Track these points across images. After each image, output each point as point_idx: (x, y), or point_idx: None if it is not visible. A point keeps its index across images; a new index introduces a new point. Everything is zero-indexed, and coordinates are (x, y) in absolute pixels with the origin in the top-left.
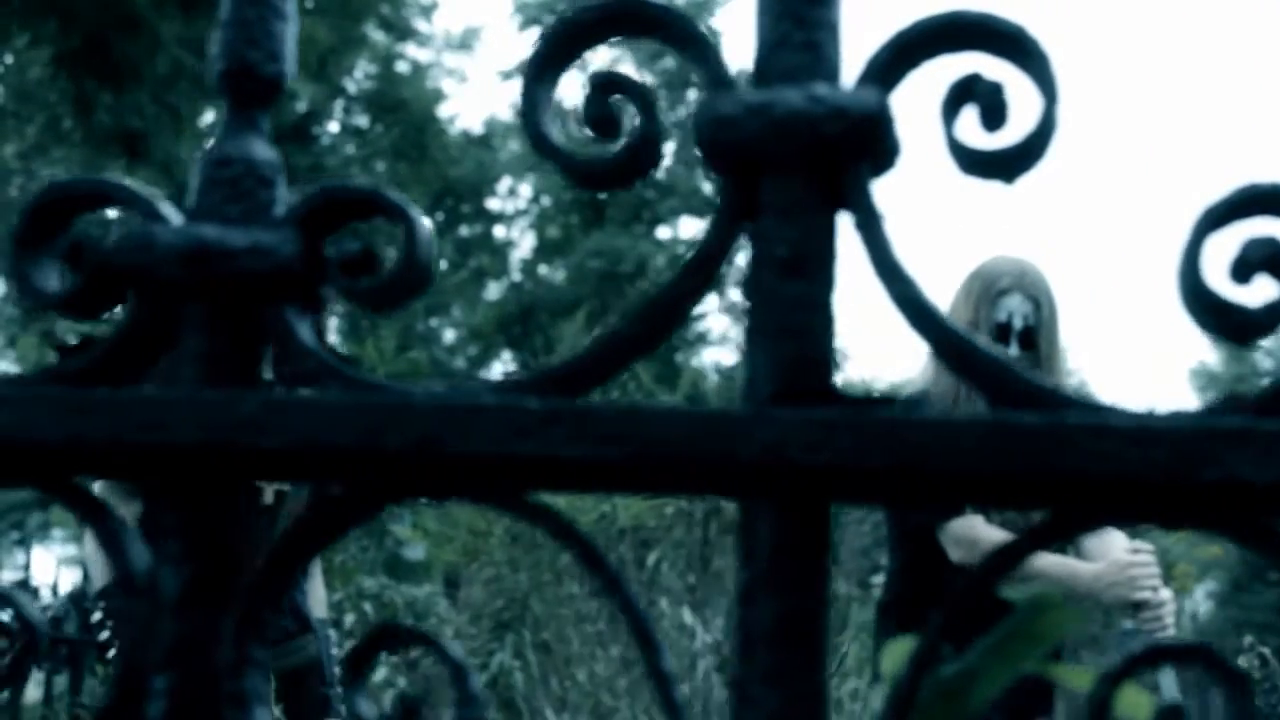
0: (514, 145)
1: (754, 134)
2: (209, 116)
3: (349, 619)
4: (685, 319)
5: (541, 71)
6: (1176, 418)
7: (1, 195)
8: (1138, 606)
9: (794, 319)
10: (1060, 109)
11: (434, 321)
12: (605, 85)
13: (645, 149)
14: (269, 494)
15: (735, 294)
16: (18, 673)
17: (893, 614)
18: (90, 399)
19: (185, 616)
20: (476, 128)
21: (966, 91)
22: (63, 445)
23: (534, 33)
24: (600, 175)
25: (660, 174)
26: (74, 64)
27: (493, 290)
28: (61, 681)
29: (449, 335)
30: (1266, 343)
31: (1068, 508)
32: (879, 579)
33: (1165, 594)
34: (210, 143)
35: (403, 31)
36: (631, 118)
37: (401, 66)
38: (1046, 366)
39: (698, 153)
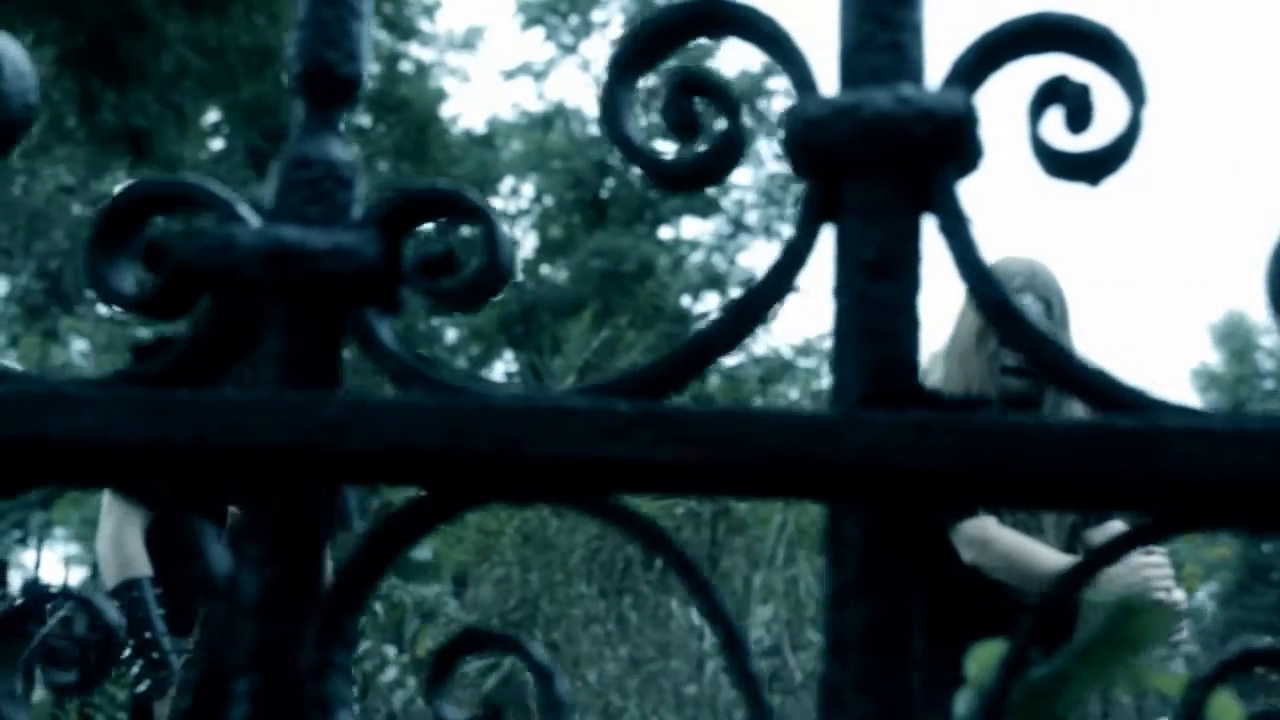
0: (516, 145)
1: (841, 135)
2: (213, 115)
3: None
4: (768, 319)
5: (623, 73)
6: (1274, 419)
7: (4, 194)
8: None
9: (881, 321)
10: (1147, 112)
11: (435, 321)
12: (687, 86)
13: (728, 150)
14: None
15: (737, 294)
16: (100, 675)
17: None
18: (172, 401)
19: (267, 620)
20: (479, 127)
21: (1053, 93)
22: (144, 447)
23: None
24: (682, 176)
25: None
26: (78, 63)
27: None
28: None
29: (451, 335)
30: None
31: (1165, 511)
32: None
33: (1179, 595)
34: (289, 144)
35: (406, 31)
36: (712, 118)
37: (404, 66)
38: None
39: (783, 153)
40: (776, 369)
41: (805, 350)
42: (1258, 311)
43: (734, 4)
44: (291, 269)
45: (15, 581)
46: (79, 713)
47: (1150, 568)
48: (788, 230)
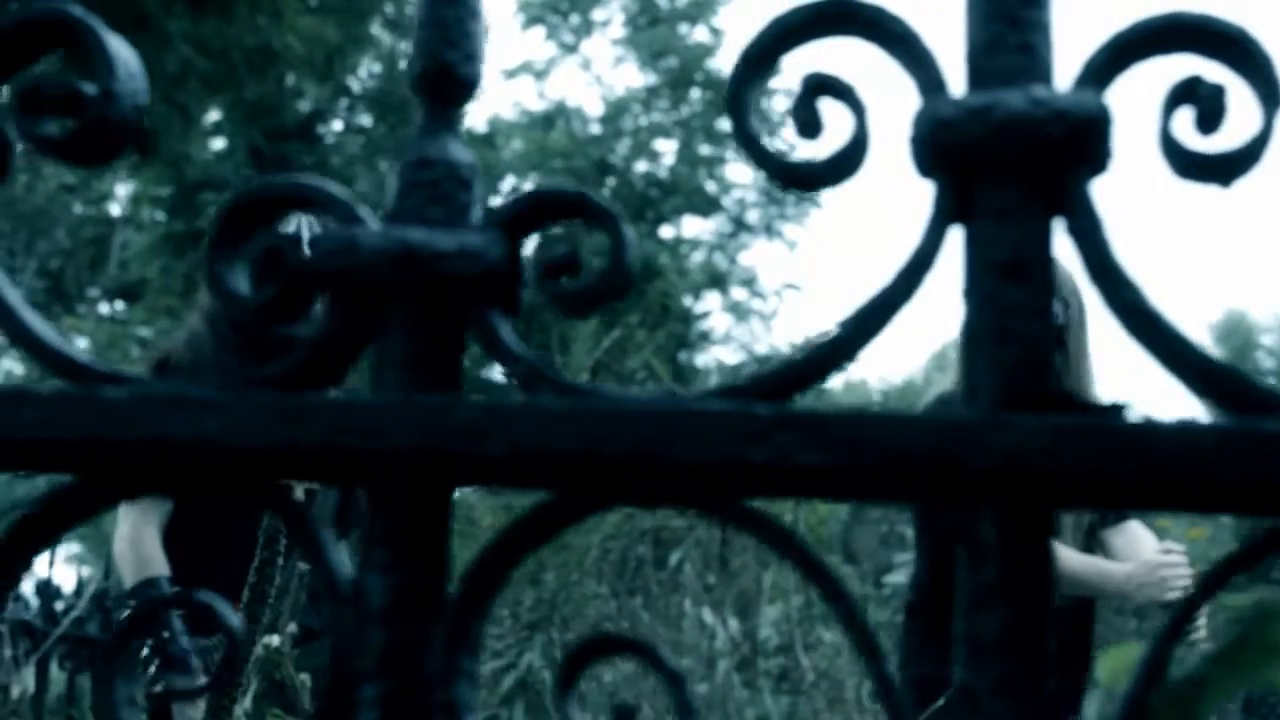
0: (517, 144)
1: (974, 136)
2: (214, 115)
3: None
4: (893, 321)
5: (750, 72)
6: None
7: (6, 193)
8: (1169, 607)
9: (1015, 323)
10: None
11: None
12: (815, 87)
13: (855, 152)
14: (298, 493)
15: (739, 293)
16: (225, 679)
17: (921, 615)
18: (302, 404)
19: (395, 625)
20: (480, 126)
21: (1186, 93)
22: (272, 451)
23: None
24: (808, 178)
25: (663, 172)
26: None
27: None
28: (84, 681)
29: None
30: (1268, 342)
31: None
32: (892, 578)
33: None
34: (410, 144)
35: (407, 30)
36: (840, 120)
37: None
38: (1075, 367)
39: (911, 154)
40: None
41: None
42: (1258, 310)
43: (863, 3)
44: (416, 271)
45: (24, 584)
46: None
47: (1169, 566)
48: (789, 229)
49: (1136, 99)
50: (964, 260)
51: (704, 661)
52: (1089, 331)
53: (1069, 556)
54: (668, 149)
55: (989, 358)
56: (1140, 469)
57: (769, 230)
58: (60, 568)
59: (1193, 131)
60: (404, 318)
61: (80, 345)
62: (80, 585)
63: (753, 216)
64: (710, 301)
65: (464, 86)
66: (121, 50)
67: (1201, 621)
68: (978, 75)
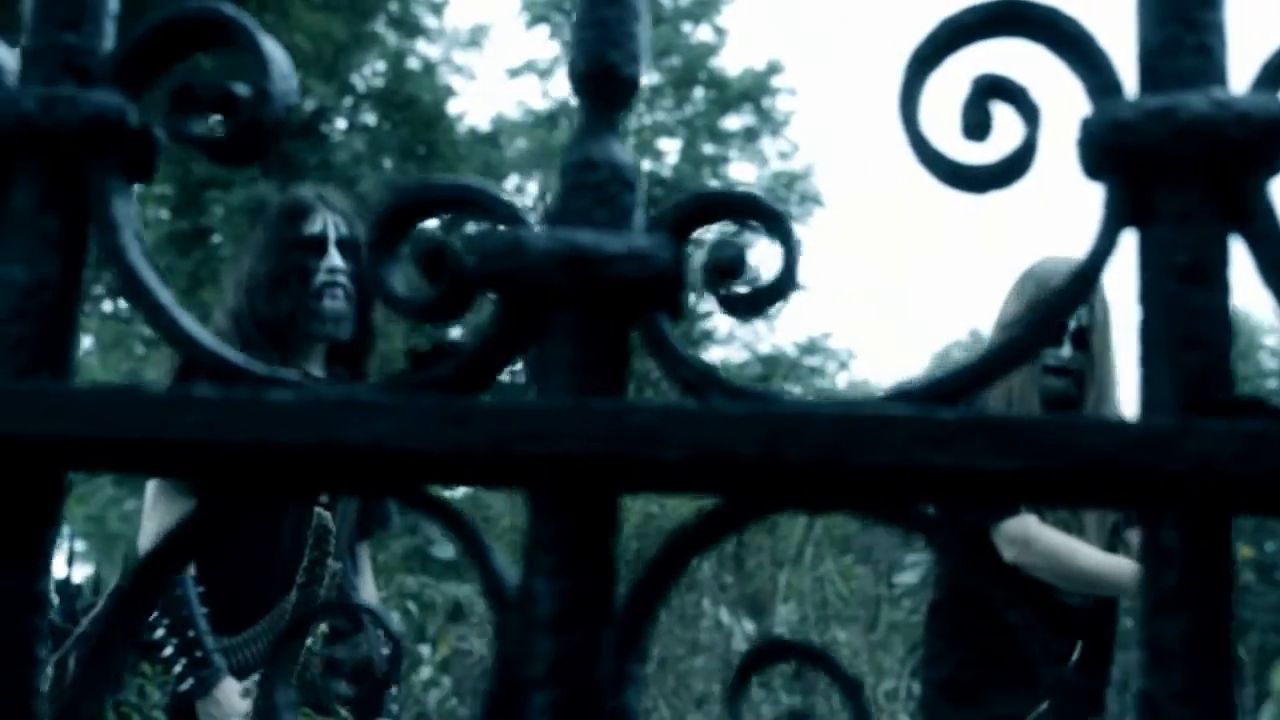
0: (520, 143)
1: (1154, 139)
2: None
3: (394, 618)
4: (1066, 322)
5: (919, 72)
6: None
7: None
8: None
9: (1197, 328)
10: None
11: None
12: (987, 88)
13: (1025, 155)
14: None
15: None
16: (390, 680)
17: (944, 615)
18: (473, 408)
19: (564, 632)
20: (484, 125)
21: None
22: (442, 455)
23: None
24: (978, 180)
25: (666, 171)
26: None
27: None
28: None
29: (454, 333)
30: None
31: None
32: (903, 578)
33: None
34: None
35: (412, 28)
36: (1007, 122)
37: (411, 63)
38: (1099, 367)
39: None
40: (784, 367)
41: (810, 349)
42: (1260, 310)
43: (1037, 5)
44: (584, 274)
45: None
46: (115, 711)
47: None
48: (791, 228)
49: None
50: (1139, 264)
51: (720, 660)
52: (1113, 332)
53: (1091, 556)
54: (671, 148)
55: (1171, 363)
56: None
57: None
58: (62, 566)
59: None
60: (569, 321)
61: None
62: (99, 584)
63: None
64: (710, 301)
65: (627, 87)
66: (275, 50)
67: None
68: (1152, 77)
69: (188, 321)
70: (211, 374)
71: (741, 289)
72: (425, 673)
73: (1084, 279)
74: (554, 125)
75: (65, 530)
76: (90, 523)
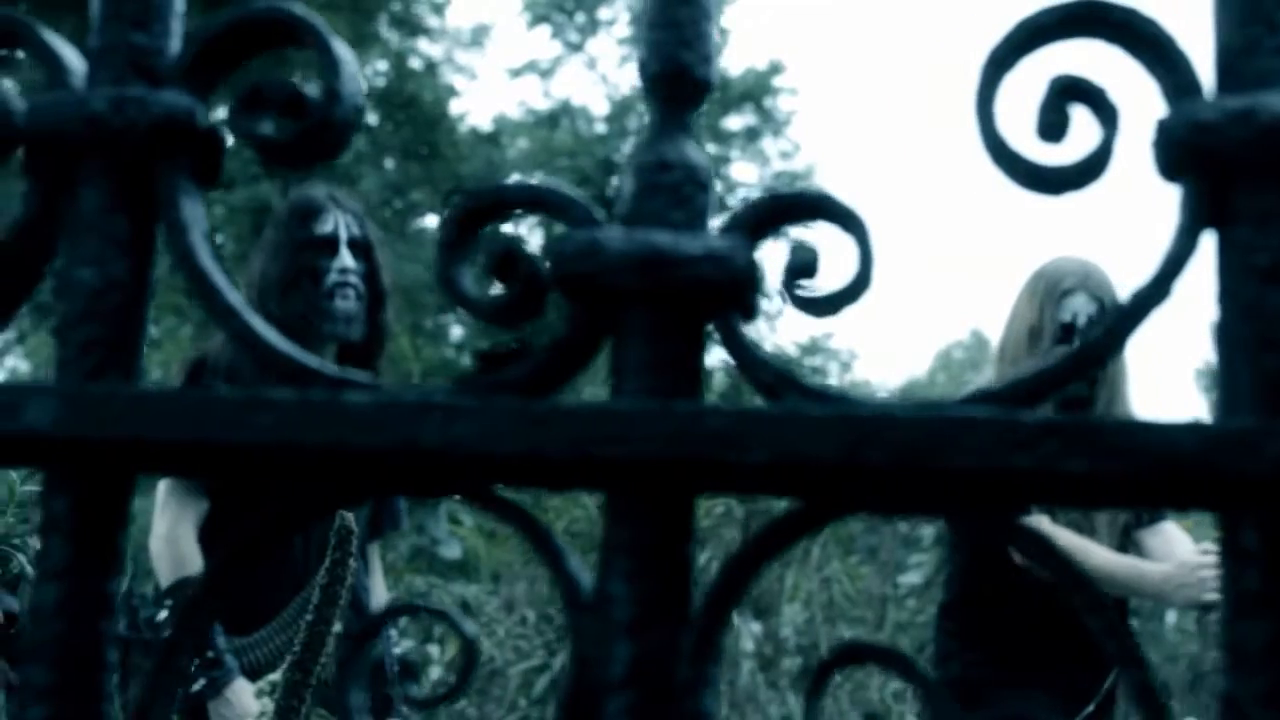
0: (522, 143)
1: (1235, 140)
2: (220, 112)
3: (402, 618)
4: (1145, 324)
5: (995, 74)
6: None
7: (13, 191)
8: (1207, 608)
9: (1277, 330)
10: None
11: (440, 318)
12: (1064, 89)
13: (1103, 157)
14: None
15: None
16: (463, 683)
17: (955, 615)
18: (551, 410)
19: (642, 635)
20: (485, 125)
21: None
22: (520, 457)
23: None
24: (1056, 182)
25: None
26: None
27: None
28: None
29: (456, 332)
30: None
31: None
32: (906, 578)
33: None
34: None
35: (414, 28)
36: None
37: (413, 63)
38: (1111, 367)
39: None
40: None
41: (811, 349)
42: None
43: (1115, 5)
44: (662, 275)
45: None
46: (125, 711)
47: (1206, 568)
48: (794, 229)
49: None
50: (1218, 265)
51: (729, 662)
52: None
53: (1103, 557)
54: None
55: (1252, 365)
56: None
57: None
58: None
59: None
60: (645, 322)
61: None
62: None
63: None
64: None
65: (701, 88)
66: (344, 50)
67: None
68: (1230, 78)
69: (259, 324)
70: (284, 376)
71: (815, 289)
72: (434, 673)
73: (1163, 280)
74: (555, 125)
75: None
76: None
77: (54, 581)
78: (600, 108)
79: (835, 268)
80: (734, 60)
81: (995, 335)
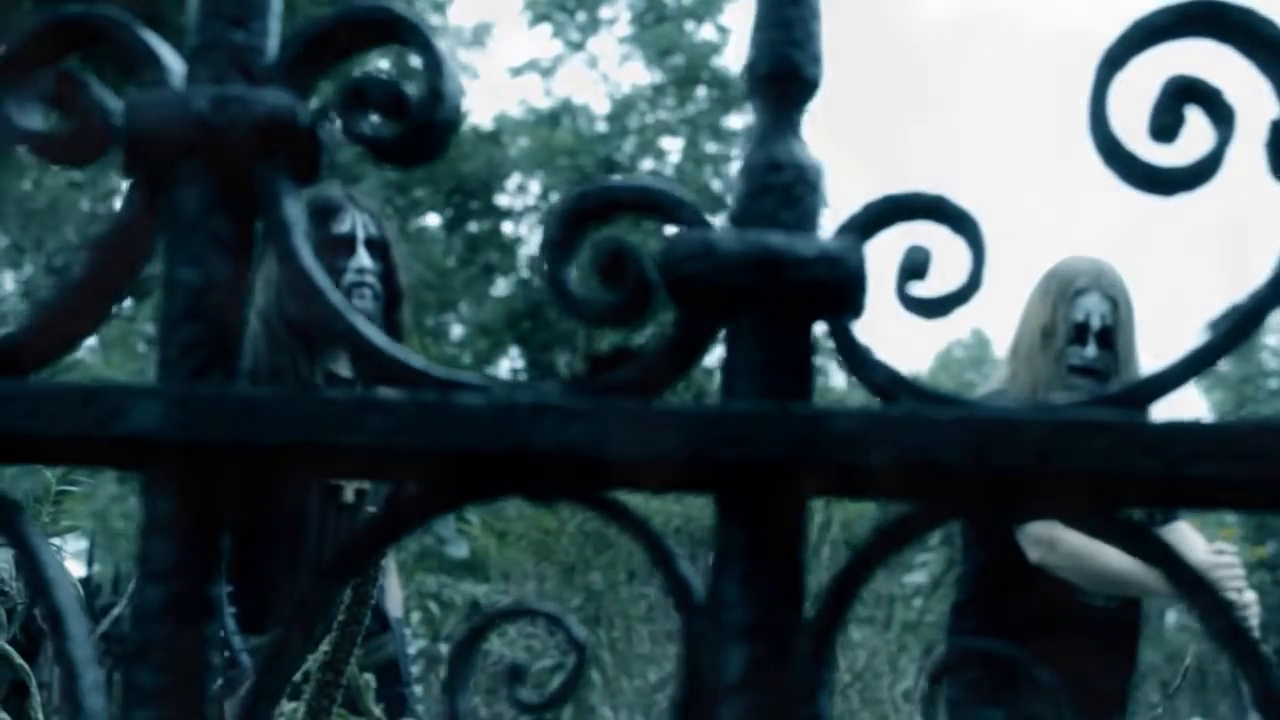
0: (523, 142)
1: None
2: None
3: (414, 617)
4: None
5: (1110, 74)
6: None
7: (15, 189)
8: None
9: None
10: None
11: (441, 317)
12: (1179, 91)
13: (1217, 158)
14: (349, 493)
15: None
16: (572, 686)
17: (969, 613)
18: (669, 413)
19: (757, 639)
20: (487, 123)
21: None
22: (636, 460)
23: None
24: (1168, 183)
25: (669, 170)
26: (94, 56)
27: (501, 286)
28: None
29: (457, 331)
30: (1272, 342)
31: None
32: (911, 577)
33: (1250, 596)
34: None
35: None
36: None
37: (414, 62)
38: (1124, 366)
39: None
40: None
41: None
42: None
43: (1233, 5)
44: (776, 277)
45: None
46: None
47: (1222, 567)
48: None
49: None
50: None
51: None
52: (1137, 331)
53: (1116, 556)
54: (674, 147)
55: None
56: None
57: None
58: (70, 563)
59: None
60: (758, 324)
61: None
62: (118, 581)
63: None
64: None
65: (810, 89)
66: (446, 50)
67: (1254, 611)
68: None
69: (363, 324)
70: (391, 378)
71: (928, 290)
72: (443, 672)
73: (1277, 283)
74: (556, 124)
75: (70, 528)
76: (93, 519)
77: (158, 583)
78: (601, 106)
79: (938, 269)
80: (735, 59)
81: (996, 335)
